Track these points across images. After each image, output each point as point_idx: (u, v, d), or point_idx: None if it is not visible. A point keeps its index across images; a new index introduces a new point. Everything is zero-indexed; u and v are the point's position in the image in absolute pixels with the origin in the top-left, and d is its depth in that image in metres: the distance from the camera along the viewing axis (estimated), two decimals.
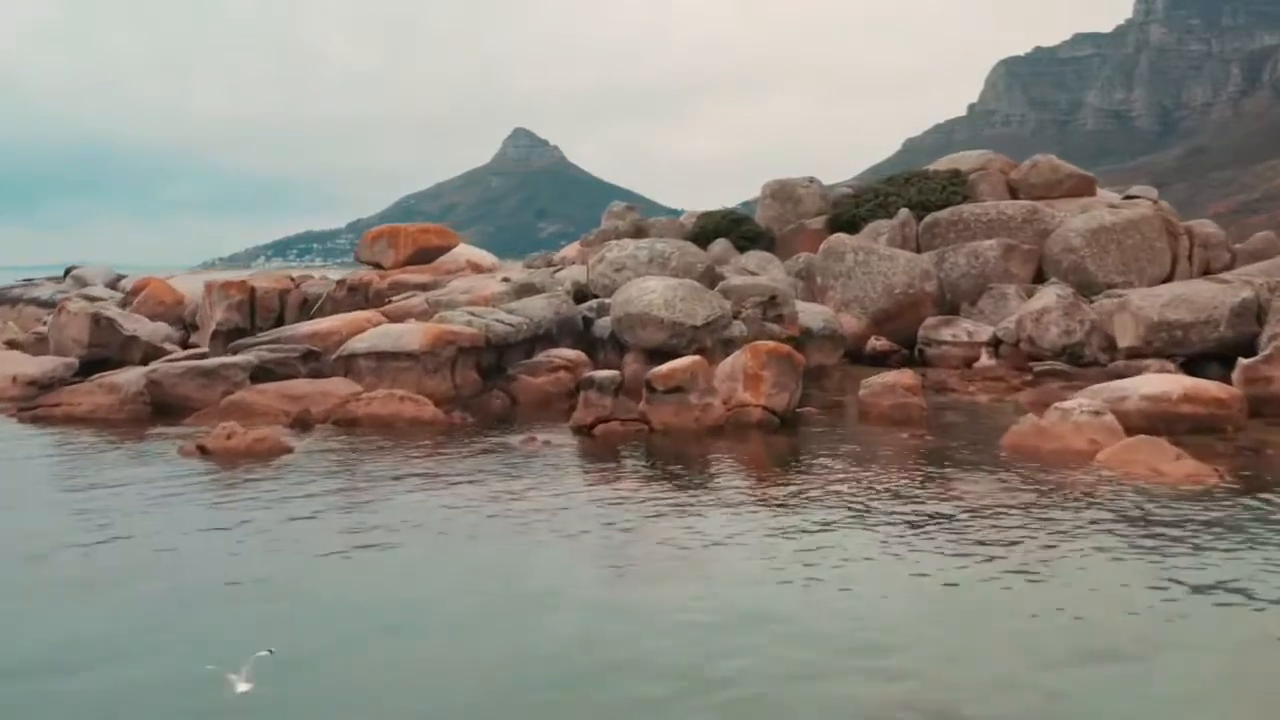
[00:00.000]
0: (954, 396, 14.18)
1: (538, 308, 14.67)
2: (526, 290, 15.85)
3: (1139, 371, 13.89)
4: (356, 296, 15.68)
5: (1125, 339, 14.47)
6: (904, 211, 19.81)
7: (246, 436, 9.82)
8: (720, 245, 20.01)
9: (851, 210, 21.08)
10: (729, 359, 11.79)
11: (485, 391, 13.20)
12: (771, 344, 11.80)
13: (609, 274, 16.92)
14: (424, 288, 21.47)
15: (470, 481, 9.11)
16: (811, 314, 15.81)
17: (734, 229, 20.77)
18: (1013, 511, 7.93)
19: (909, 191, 21.31)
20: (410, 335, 12.84)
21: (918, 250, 19.51)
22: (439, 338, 12.88)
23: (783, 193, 22.08)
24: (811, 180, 22.32)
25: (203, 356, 14.19)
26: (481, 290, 15.69)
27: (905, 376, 12.27)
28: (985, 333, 17.42)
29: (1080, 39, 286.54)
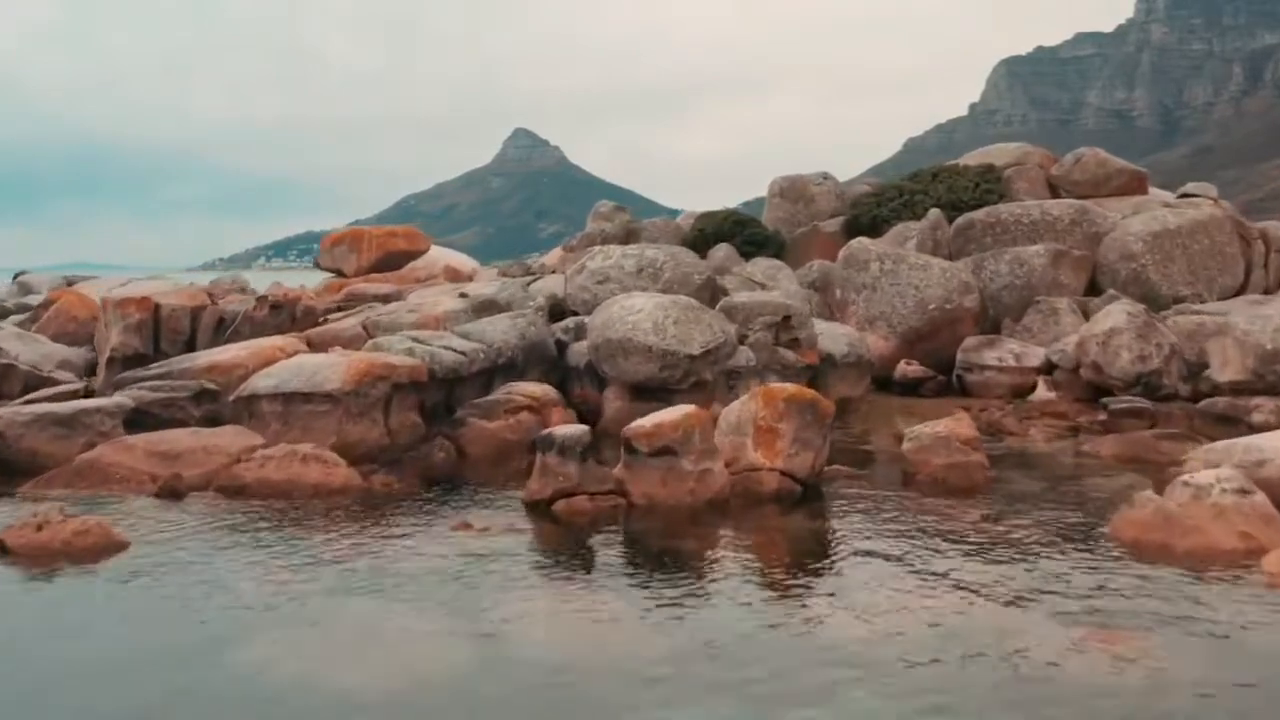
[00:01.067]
0: (1012, 442, 11.33)
1: (499, 331, 11.83)
2: (488, 308, 12.99)
3: (1247, 412, 11.04)
4: (281, 316, 12.78)
5: (1227, 371, 11.61)
6: (934, 212, 16.94)
7: (64, 527, 6.97)
8: (722, 251, 17.13)
9: (872, 210, 18.21)
10: (734, 407, 8.90)
11: (428, 440, 10.39)
12: (791, 388, 8.86)
13: (590, 287, 14.08)
14: (386, 299, 18.64)
15: (339, 616, 6.22)
16: (833, 336, 12.96)
17: (738, 232, 17.91)
18: (1182, 687, 5.01)
19: (937, 189, 18.45)
20: (329, 370, 10.00)
21: (950, 258, 16.63)
22: (366, 373, 10.05)
23: (793, 191, 19.20)
24: (825, 177, 19.43)
25: (80, 394, 11.33)
26: (432, 309, 12.81)
27: (961, 425, 9.41)
28: (1036, 356, 14.57)
29: (1081, 38, 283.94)
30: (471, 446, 10.38)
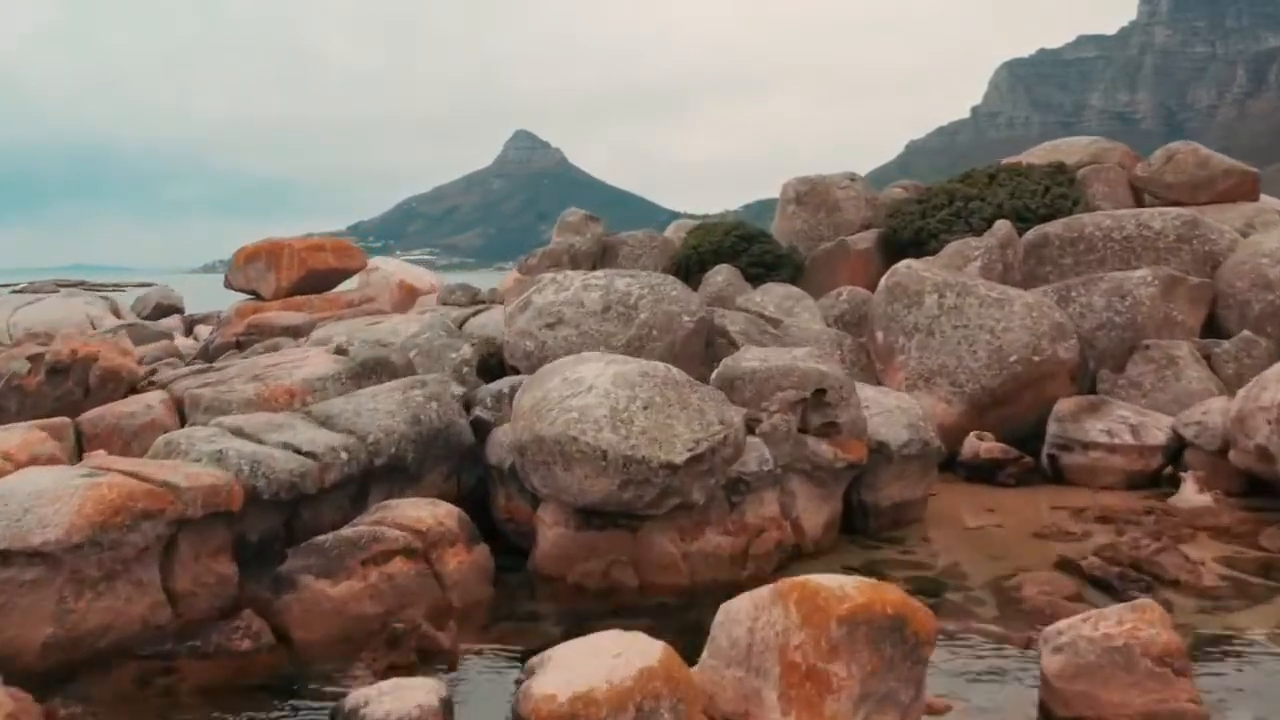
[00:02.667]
0: (1181, 599, 7.06)
1: (381, 412, 7.62)
2: (374, 370, 8.74)
3: None
4: (62, 386, 8.45)
5: None
6: (1003, 225, 12.66)
7: None
8: (722, 276, 12.85)
9: (915, 221, 13.92)
10: (740, 609, 4.65)
11: (236, 609, 6.22)
12: (854, 591, 4.47)
13: (535, 332, 9.86)
14: (296, 332, 14.41)
15: None
16: (885, 412, 8.65)
17: (742, 249, 13.63)
18: None
19: (997, 194, 14.17)
20: (53, 504, 5.83)
21: (1021, 285, 12.39)
22: (118, 506, 5.89)
23: (812, 196, 14.90)
24: (853, 178, 15.14)
25: None
26: (288, 375, 8.49)
27: (1148, 620, 5.19)
28: (1160, 429, 10.32)
29: (1084, 40, 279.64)
30: (300, 627, 6.16)
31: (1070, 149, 15.99)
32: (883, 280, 11.47)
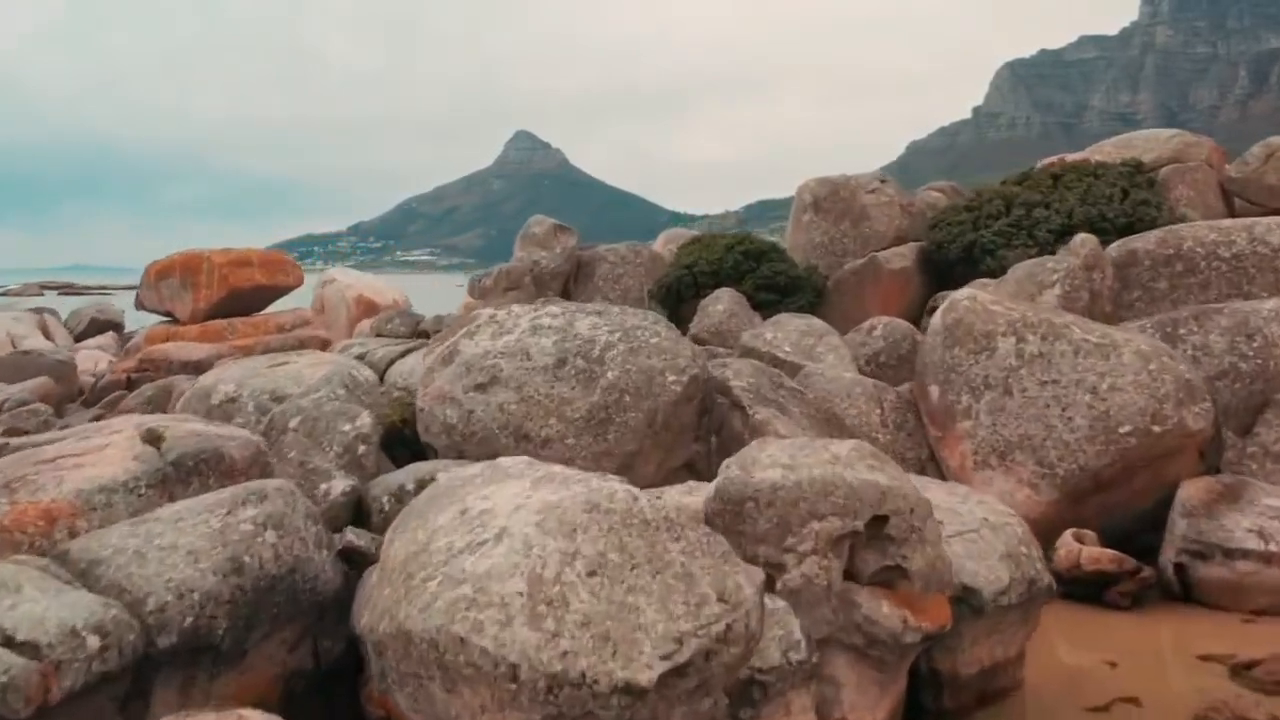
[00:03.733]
0: None
1: (179, 551, 4.75)
2: (194, 470, 5.80)
3: None
4: None
5: None
6: (1087, 239, 9.69)
7: None
8: (723, 304, 9.90)
9: (967, 233, 10.98)
10: None
11: None
12: None
13: (460, 397, 6.91)
14: (199, 368, 11.59)
15: None
16: (968, 534, 5.77)
17: (748, 269, 10.70)
18: None
19: (1065, 199, 11.24)
20: None
21: (1109, 318, 9.49)
22: None
23: (834, 202, 11.94)
24: (883, 179, 12.17)
25: None
26: (55, 486, 5.52)
27: None
28: None
29: (1085, 41, 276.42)
30: None
31: (1146, 144, 13.02)
32: (938, 316, 8.51)
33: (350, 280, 21.03)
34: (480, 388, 6.86)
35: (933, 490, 6.04)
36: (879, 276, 10.90)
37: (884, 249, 11.50)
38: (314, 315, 15.49)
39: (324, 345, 13.86)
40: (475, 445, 6.65)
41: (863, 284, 10.92)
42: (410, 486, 6.09)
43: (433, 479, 6.03)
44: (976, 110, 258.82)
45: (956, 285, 10.90)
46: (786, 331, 9.45)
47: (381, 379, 9.10)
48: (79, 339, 22.91)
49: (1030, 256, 10.51)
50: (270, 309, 15.41)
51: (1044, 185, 11.51)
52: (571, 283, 11.47)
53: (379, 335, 11.52)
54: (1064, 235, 10.73)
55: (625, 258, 11.58)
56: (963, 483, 7.42)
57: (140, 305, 15.18)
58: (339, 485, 6.27)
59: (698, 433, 6.87)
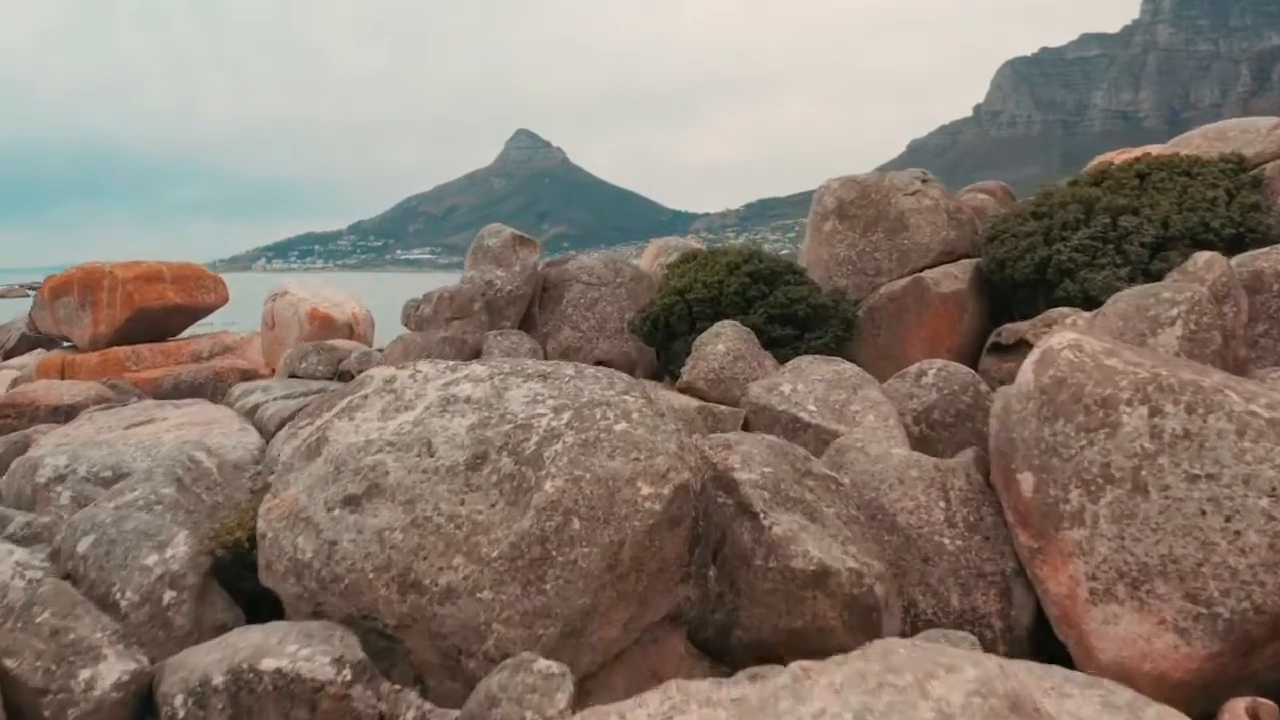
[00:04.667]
0: None
1: None
2: None
3: None
4: None
5: None
6: (1214, 262, 7.26)
7: None
8: (726, 345, 7.43)
9: (1038, 248, 8.49)
10: None
11: None
12: None
13: (319, 519, 4.51)
14: (70, 414, 9.29)
15: None
16: None
17: (758, 295, 8.17)
18: None
19: (1158, 202, 8.79)
20: None
21: (1236, 366, 7.06)
22: None
23: (865, 205, 9.45)
24: (925, 178, 9.67)
25: None
26: None
27: None
28: None
29: (1087, 39, 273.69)
30: None
31: (1243, 135, 10.53)
32: (1027, 370, 6.04)
33: (304, 293, 18.40)
34: (352, 502, 4.42)
35: (1075, 700, 3.62)
36: (925, 303, 8.44)
37: (927, 266, 9.06)
38: (238, 342, 13.06)
39: (246, 378, 11.45)
40: (339, 597, 4.22)
41: (904, 312, 8.46)
42: (219, 682, 3.70)
43: (254, 672, 3.64)
44: (978, 108, 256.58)
45: (1022, 315, 8.47)
46: (810, 382, 7.02)
47: (260, 455, 6.66)
48: (8, 355, 20.34)
49: (1119, 279, 8.08)
50: (189, 331, 13.02)
51: (1129, 186, 9.05)
52: (536, 307, 9.03)
53: (292, 375, 9.08)
54: (1159, 250, 8.31)
55: (602, 277, 9.13)
56: (1073, 620, 5.04)
57: (33, 328, 12.75)
58: (110, 672, 3.87)
59: (688, 568, 4.43)
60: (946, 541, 5.71)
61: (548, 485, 4.23)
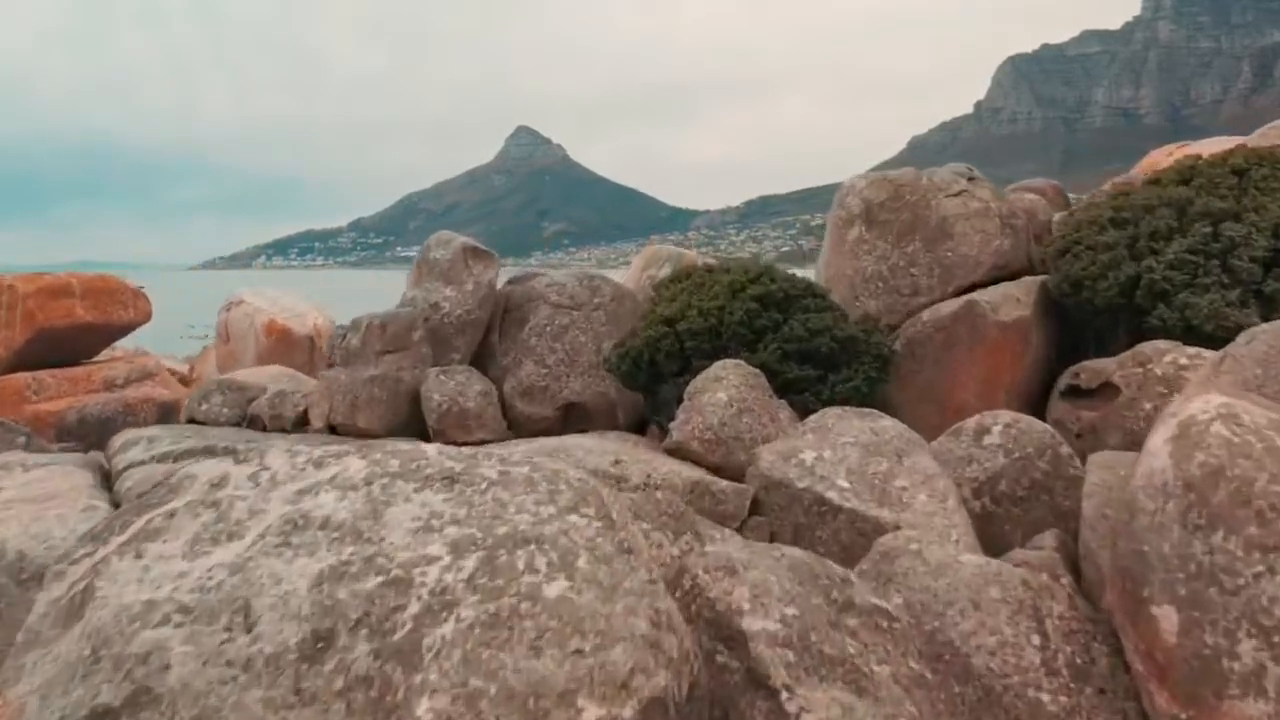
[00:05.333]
0: None
1: None
2: None
3: None
4: None
5: None
6: None
7: None
8: (729, 394, 5.63)
9: (1124, 262, 6.68)
10: None
11: None
12: None
13: None
14: None
15: None
16: None
17: (768, 324, 6.39)
18: None
19: (1264, 206, 6.98)
20: None
21: None
22: None
23: (899, 207, 7.63)
24: (971, 175, 7.87)
25: None
26: None
27: None
28: None
29: (1088, 36, 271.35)
30: None
31: None
32: (1160, 454, 4.21)
33: (261, 302, 16.50)
34: (106, 718, 2.63)
35: None
36: (980, 333, 6.62)
37: (976, 284, 7.25)
38: (160, 367, 11.25)
39: (164, 414, 9.66)
40: None
41: (953, 345, 6.65)
42: None
43: None
44: (978, 105, 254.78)
45: (1100, 348, 6.67)
46: (840, 447, 5.25)
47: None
48: None
49: (1228, 303, 6.29)
50: (109, 351, 11.25)
51: (1225, 186, 7.23)
52: (495, 334, 7.23)
53: (191, 420, 7.30)
54: (1272, 267, 6.52)
55: (575, 297, 7.33)
56: None
57: None
58: None
59: None
60: (1046, 698, 3.96)
61: (421, 709, 2.44)
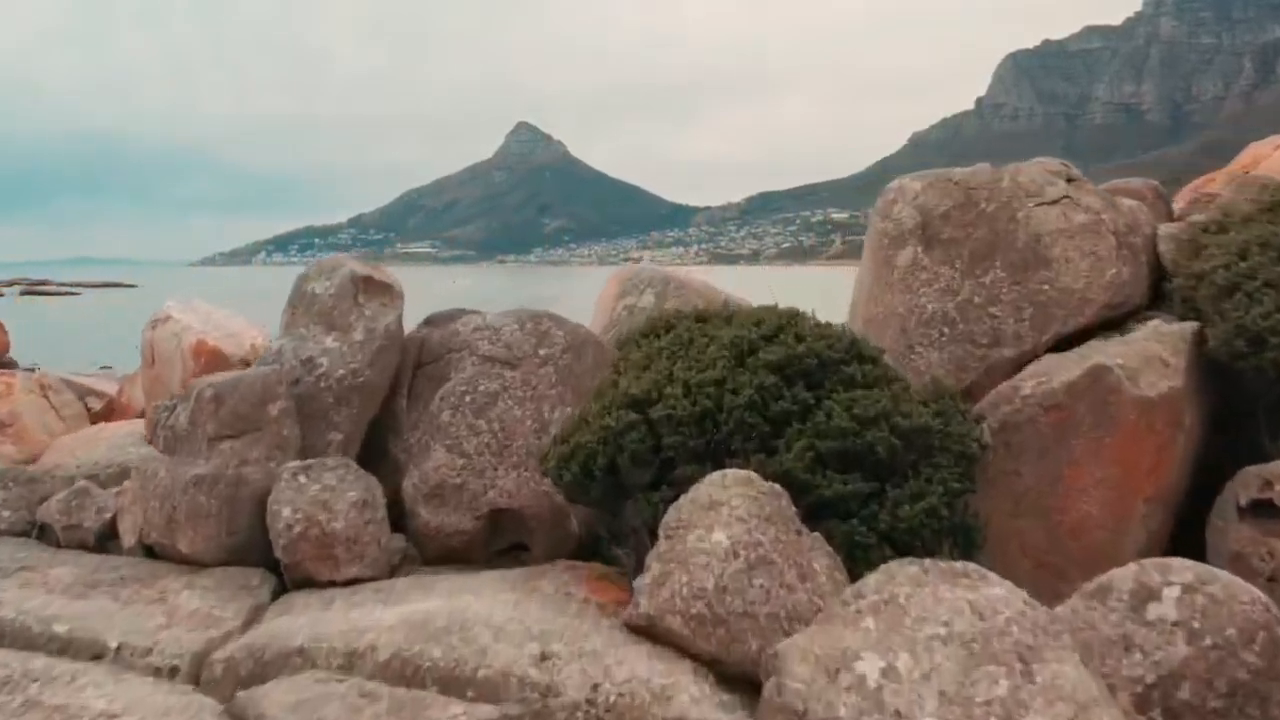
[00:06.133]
0: None
1: None
2: None
3: None
4: None
5: None
6: None
7: None
8: (735, 528, 3.38)
9: None
10: None
11: None
12: None
13: None
14: None
15: None
16: None
17: (796, 404, 4.11)
18: None
19: None
20: None
21: None
22: None
23: (970, 221, 5.40)
24: (1070, 175, 5.64)
25: None
26: None
27: None
28: None
29: (1089, 32, 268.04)
30: None
31: None
32: None
33: (191, 319, 13.85)
34: None
35: None
36: (1112, 414, 4.34)
37: (1083, 329, 4.99)
38: (14, 415, 9.03)
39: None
40: None
41: (1069, 432, 4.37)
42: None
43: None
44: (979, 101, 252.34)
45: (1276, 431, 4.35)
46: (925, 648, 3.04)
47: None
48: None
49: None
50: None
51: None
52: (401, 400, 4.97)
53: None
54: None
55: (514, 347, 5.06)
56: None
57: None
58: None
59: None
60: None
61: None
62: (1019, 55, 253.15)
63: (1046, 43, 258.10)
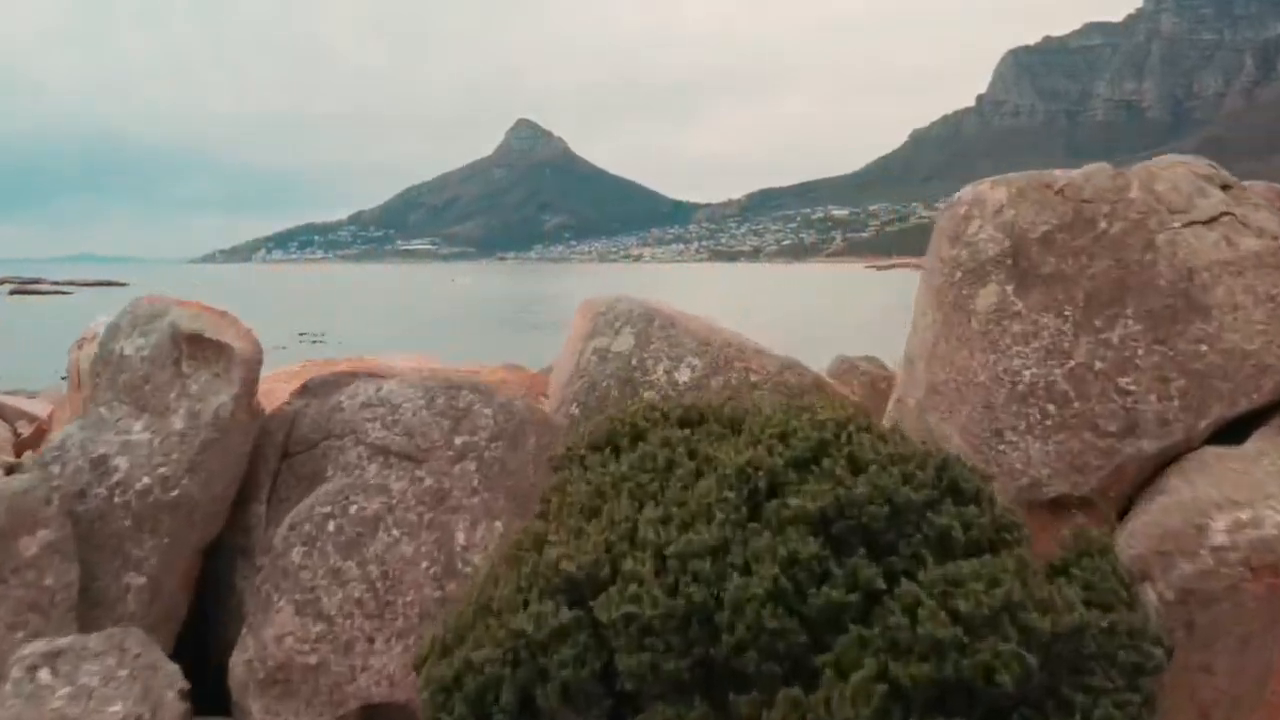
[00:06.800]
0: None
1: None
2: None
3: None
4: None
5: None
6: None
7: None
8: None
9: None
10: None
11: None
12: None
13: None
14: None
15: None
16: None
17: (849, 589, 2.44)
18: None
19: None
20: None
21: None
22: None
23: (1085, 249, 3.68)
24: (1226, 181, 4.02)
25: None
26: None
27: None
28: None
29: (1090, 28, 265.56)
30: None
31: None
32: None
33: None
34: None
35: None
36: None
37: (1258, 410, 3.24)
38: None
39: None
40: None
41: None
42: None
43: None
44: (980, 98, 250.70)
45: None
46: None
47: None
48: None
49: None
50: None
51: None
52: (257, 515, 3.22)
53: None
54: None
55: (420, 434, 3.38)
56: None
57: None
58: None
59: None
60: None
61: None
62: (1020, 52, 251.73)
63: (1047, 39, 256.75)
